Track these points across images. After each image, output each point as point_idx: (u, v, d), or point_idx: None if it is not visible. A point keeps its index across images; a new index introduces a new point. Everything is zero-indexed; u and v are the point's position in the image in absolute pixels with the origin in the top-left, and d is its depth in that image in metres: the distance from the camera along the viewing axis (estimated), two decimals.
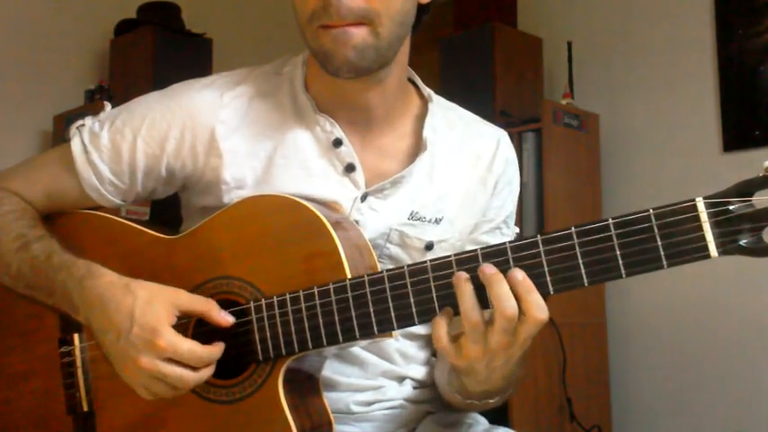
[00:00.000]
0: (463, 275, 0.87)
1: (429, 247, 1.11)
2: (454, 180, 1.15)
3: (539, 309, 0.85)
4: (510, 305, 0.85)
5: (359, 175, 1.09)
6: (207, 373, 0.97)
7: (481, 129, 1.22)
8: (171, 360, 0.94)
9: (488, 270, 0.86)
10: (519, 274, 0.86)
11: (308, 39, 1.02)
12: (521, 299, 0.85)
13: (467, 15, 3.21)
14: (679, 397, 2.94)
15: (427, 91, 1.18)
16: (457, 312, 0.89)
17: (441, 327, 0.89)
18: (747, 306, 2.78)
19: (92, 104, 2.99)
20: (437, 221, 1.13)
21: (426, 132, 1.13)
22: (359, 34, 0.98)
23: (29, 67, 3.08)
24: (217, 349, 0.96)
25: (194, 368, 0.95)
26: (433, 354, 1.25)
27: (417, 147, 1.13)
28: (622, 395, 3.06)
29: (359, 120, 1.11)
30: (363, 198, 1.09)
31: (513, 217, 1.23)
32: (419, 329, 1.16)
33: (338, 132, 1.09)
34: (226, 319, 0.98)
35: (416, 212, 1.11)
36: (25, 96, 3.07)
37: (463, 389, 1.03)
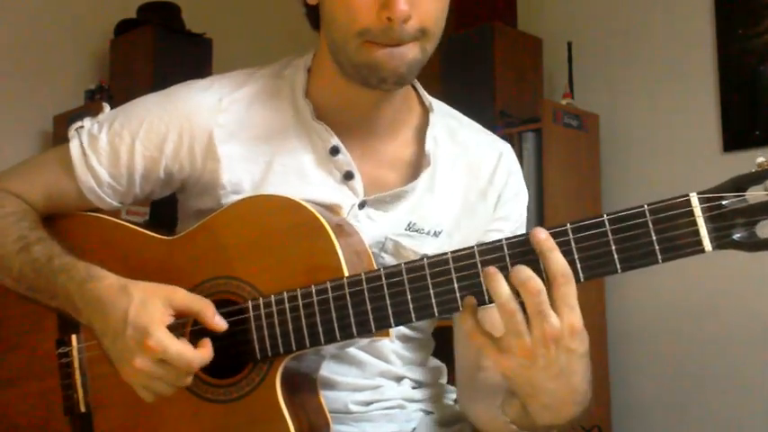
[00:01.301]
0: (492, 267, 0.85)
1: None
2: (454, 191, 1.14)
3: (559, 264, 0.83)
4: (533, 281, 0.83)
5: (357, 182, 1.09)
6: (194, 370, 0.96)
7: (483, 141, 1.21)
8: (163, 361, 0.94)
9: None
10: (542, 233, 0.84)
11: (352, 51, 1.00)
12: (542, 257, 0.84)
13: (467, 15, 3.21)
14: (679, 397, 2.94)
15: (428, 99, 1.18)
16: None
17: (467, 321, 0.87)
18: (747, 306, 2.78)
19: (92, 104, 2.99)
20: (436, 234, 1.12)
21: (428, 146, 1.12)
22: (412, 52, 1.00)
23: (29, 67, 3.08)
24: (206, 351, 0.95)
25: (186, 371, 0.95)
26: (432, 354, 1.25)
27: (418, 157, 1.13)
28: (622, 395, 3.06)
29: (361, 127, 1.11)
30: (361, 206, 1.09)
31: (524, 227, 1.22)
32: (412, 332, 1.16)
33: (335, 140, 1.09)
34: (219, 324, 0.97)
35: (414, 224, 1.10)
36: (25, 96, 3.07)
37: (526, 419, 0.96)
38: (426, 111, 1.17)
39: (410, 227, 1.10)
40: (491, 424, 1.04)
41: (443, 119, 1.18)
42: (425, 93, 1.18)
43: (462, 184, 1.15)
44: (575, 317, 0.84)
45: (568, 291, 0.83)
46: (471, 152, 1.17)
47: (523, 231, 1.19)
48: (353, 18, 0.98)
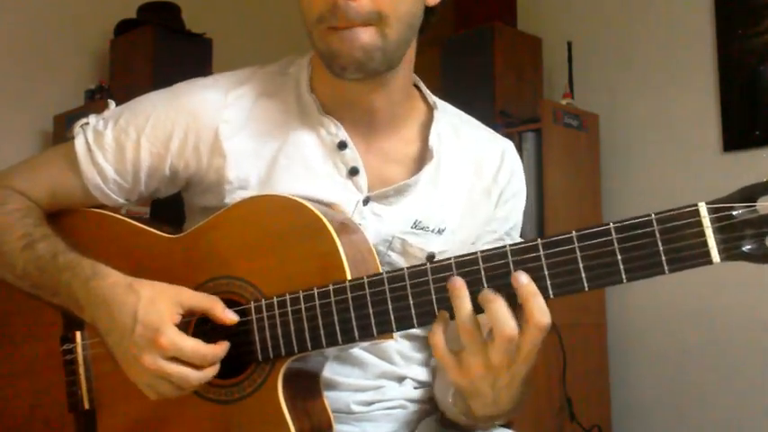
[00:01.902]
0: (459, 281, 0.85)
1: (431, 257, 1.10)
2: (458, 189, 1.14)
3: (541, 313, 0.83)
4: (509, 326, 0.83)
5: (362, 178, 1.09)
6: (211, 372, 0.96)
7: (487, 138, 1.21)
8: (175, 359, 0.94)
9: (486, 294, 0.85)
10: (524, 278, 0.83)
11: (315, 39, 1.02)
12: (524, 301, 0.83)
13: (467, 15, 3.22)
14: (679, 397, 2.94)
15: (432, 98, 1.18)
16: (453, 316, 0.88)
17: (437, 335, 0.87)
18: (747, 306, 2.78)
19: (92, 104, 2.99)
20: (440, 232, 1.12)
21: (432, 141, 1.12)
22: (366, 35, 0.99)
23: (29, 67, 3.08)
24: (221, 348, 0.96)
25: (198, 367, 0.95)
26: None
27: (422, 153, 1.13)
28: (622, 395, 3.06)
29: (363, 122, 1.11)
30: (366, 202, 1.09)
31: (519, 228, 1.22)
32: (418, 331, 1.16)
33: (343, 135, 1.09)
34: (230, 317, 0.97)
35: (420, 221, 1.11)
36: (25, 96, 3.07)
37: (469, 412, 0.99)
38: (430, 109, 1.17)
39: (416, 225, 1.11)
40: (449, 410, 1.07)
41: (447, 116, 1.18)
42: (429, 92, 1.19)
43: (466, 182, 1.16)
44: (535, 352, 0.85)
45: (540, 338, 0.84)
46: (475, 149, 1.18)
47: (519, 230, 1.21)
48: (310, 7, 1.00)
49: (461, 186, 1.15)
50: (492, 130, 1.24)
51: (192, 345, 0.94)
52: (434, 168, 1.12)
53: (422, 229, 1.11)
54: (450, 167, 1.14)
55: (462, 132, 1.18)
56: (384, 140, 1.12)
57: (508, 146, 1.21)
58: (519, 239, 1.22)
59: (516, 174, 1.20)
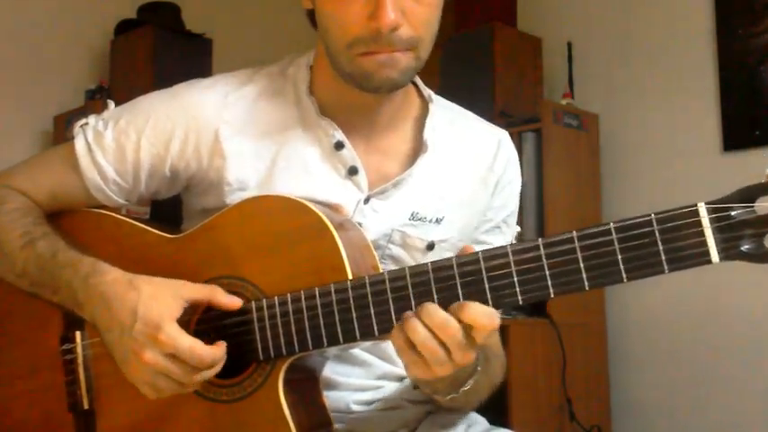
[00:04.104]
0: (407, 314, 0.89)
1: (430, 246, 1.12)
2: (455, 180, 1.15)
3: (485, 317, 0.86)
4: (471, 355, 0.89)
5: (362, 177, 1.10)
6: (210, 373, 0.96)
7: (482, 128, 1.23)
8: (173, 357, 0.94)
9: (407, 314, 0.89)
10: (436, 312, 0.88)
11: (344, 62, 1.02)
12: (464, 323, 0.87)
13: (467, 15, 3.21)
14: (679, 397, 2.94)
15: (427, 92, 1.19)
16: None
17: (398, 337, 0.89)
18: (747, 307, 2.78)
19: (92, 104, 2.98)
20: (438, 221, 1.13)
21: (427, 133, 1.13)
22: (405, 59, 1.01)
23: (29, 67, 3.08)
24: (219, 350, 0.96)
25: (195, 368, 0.95)
26: None
27: (418, 148, 1.14)
28: (622, 395, 3.06)
29: (363, 123, 1.11)
30: (366, 201, 1.10)
31: (515, 216, 1.24)
32: None
33: (339, 135, 1.09)
34: (233, 301, 0.98)
35: (417, 213, 1.12)
36: (25, 96, 3.07)
37: (434, 390, 1.02)
38: (425, 102, 1.18)
39: (413, 216, 1.11)
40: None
41: (442, 110, 1.19)
42: (423, 85, 1.19)
43: (462, 172, 1.17)
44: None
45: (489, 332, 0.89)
46: (471, 140, 1.19)
47: (515, 217, 1.23)
48: (344, 31, 1.00)
49: (458, 176, 1.16)
50: (488, 122, 1.25)
51: (190, 343, 0.93)
52: (430, 160, 1.13)
53: (419, 220, 1.12)
54: (446, 158, 1.15)
55: (458, 124, 1.19)
56: (383, 138, 1.13)
57: (504, 135, 1.23)
58: (515, 227, 1.24)
59: (512, 162, 1.22)
